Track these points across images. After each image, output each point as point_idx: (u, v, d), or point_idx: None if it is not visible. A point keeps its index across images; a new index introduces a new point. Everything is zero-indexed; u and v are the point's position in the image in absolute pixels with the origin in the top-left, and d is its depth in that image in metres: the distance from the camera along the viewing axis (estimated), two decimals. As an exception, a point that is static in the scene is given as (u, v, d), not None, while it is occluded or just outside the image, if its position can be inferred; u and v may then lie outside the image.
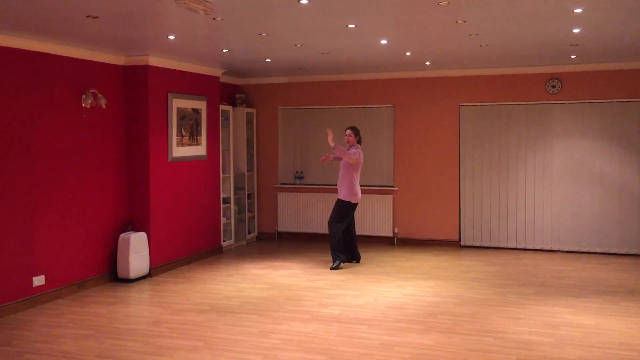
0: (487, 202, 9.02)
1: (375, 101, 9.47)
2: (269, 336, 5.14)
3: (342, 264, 7.80)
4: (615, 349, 4.78)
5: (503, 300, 6.22)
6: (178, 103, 7.84)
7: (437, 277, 7.26)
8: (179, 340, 5.08)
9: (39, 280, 6.21)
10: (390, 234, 9.42)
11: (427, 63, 8.26)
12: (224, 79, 9.27)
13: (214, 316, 5.74)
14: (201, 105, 8.33)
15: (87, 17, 5.02)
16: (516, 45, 6.73)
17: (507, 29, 5.84)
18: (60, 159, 6.47)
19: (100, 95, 6.75)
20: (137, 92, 7.35)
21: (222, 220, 9.01)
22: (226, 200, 9.18)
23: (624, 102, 8.39)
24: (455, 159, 9.12)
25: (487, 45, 6.69)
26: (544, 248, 8.81)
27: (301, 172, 9.92)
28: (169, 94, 7.66)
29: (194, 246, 8.30)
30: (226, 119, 9.23)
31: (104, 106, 6.80)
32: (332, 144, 7.67)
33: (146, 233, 7.35)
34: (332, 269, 7.67)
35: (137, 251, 7.14)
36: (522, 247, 8.90)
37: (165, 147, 7.64)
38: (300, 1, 4.56)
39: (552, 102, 8.67)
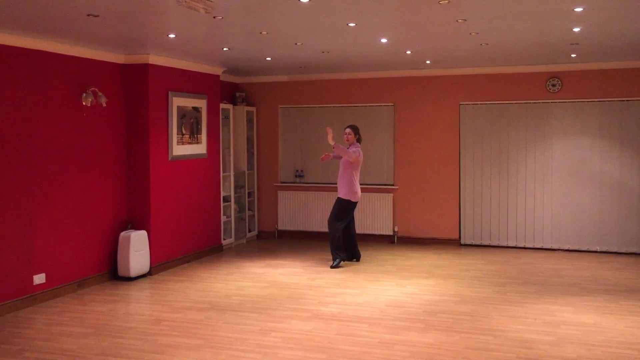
0: (487, 200, 9.02)
1: (376, 100, 9.47)
2: (269, 334, 5.15)
3: (342, 263, 7.81)
4: (614, 347, 4.79)
5: (503, 298, 6.23)
6: (178, 101, 7.84)
7: (437, 275, 7.27)
8: (179, 338, 5.08)
9: (39, 279, 6.21)
10: (390, 233, 9.43)
11: (428, 62, 8.27)
12: (224, 78, 9.27)
13: (214, 314, 5.75)
14: (201, 103, 8.34)
15: (88, 15, 5.02)
16: (516, 44, 6.74)
17: (507, 28, 5.84)
18: (60, 157, 6.47)
19: (100, 93, 6.75)
20: (137, 90, 7.35)
21: (223, 218, 9.02)
22: (226, 199, 9.18)
23: (623, 100, 8.40)
24: (456, 158, 9.12)
25: (487, 44, 6.69)
26: (544, 247, 8.81)
27: (301, 171, 9.92)
28: (169, 93, 7.67)
29: (194, 244, 8.31)
30: (226, 117, 9.24)
31: (104, 104, 6.80)
32: (331, 143, 7.67)
33: (146, 231, 7.35)
34: (332, 267, 7.68)
35: (137, 249, 7.15)
36: (522, 245, 8.91)
37: (166, 146, 7.65)
38: (301, 0, 4.56)
39: (552, 100, 8.68)
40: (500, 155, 8.94)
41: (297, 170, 9.95)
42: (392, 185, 9.44)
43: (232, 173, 9.27)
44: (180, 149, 7.90)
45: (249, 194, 9.85)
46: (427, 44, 6.80)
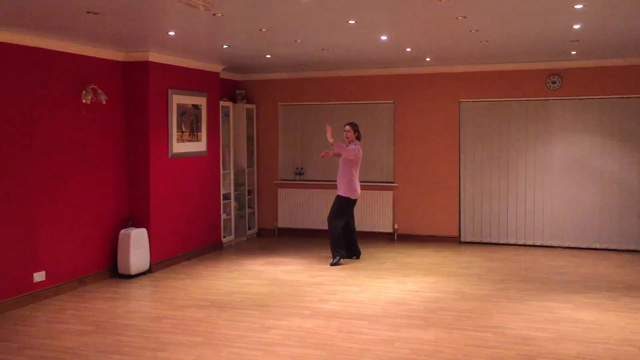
0: (487, 198, 9.03)
1: (376, 97, 9.46)
2: (270, 332, 5.15)
3: (342, 260, 7.81)
4: (615, 344, 4.79)
5: (503, 296, 6.23)
6: (178, 99, 7.83)
7: (437, 273, 7.27)
8: (180, 335, 5.09)
9: (39, 276, 6.22)
10: (391, 230, 9.43)
11: (428, 59, 8.26)
12: (224, 75, 9.26)
13: (215, 312, 5.75)
14: (201, 101, 8.33)
15: (87, 13, 5.02)
16: (516, 41, 6.73)
17: (507, 25, 5.83)
18: (60, 155, 6.47)
19: (100, 91, 6.75)
20: (137, 88, 7.35)
21: (222, 216, 9.02)
22: (226, 196, 9.18)
23: (624, 98, 8.39)
24: (456, 155, 9.12)
25: (488, 41, 6.68)
26: (544, 244, 8.82)
27: (301, 168, 9.92)
28: (169, 90, 7.66)
29: (194, 242, 8.31)
30: (226, 115, 9.23)
31: (104, 102, 6.79)
32: (330, 140, 7.67)
33: (146, 229, 7.35)
34: (332, 264, 7.68)
35: (137, 247, 7.15)
36: (522, 243, 8.91)
37: (166, 143, 7.65)
38: (301, -3, 4.56)
39: (552, 98, 8.67)
40: (500, 152, 8.94)
41: (297, 168, 9.95)
42: (392, 182, 9.44)
43: (232, 171, 9.27)
44: (180, 147, 7.90)
45: (249, 192, 9.85)
46: (427, 41, 6.79)
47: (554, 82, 8.62)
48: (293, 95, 9.86)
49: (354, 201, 7.81)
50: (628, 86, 8.34)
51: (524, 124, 8.82)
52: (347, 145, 7.74)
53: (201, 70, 8.36)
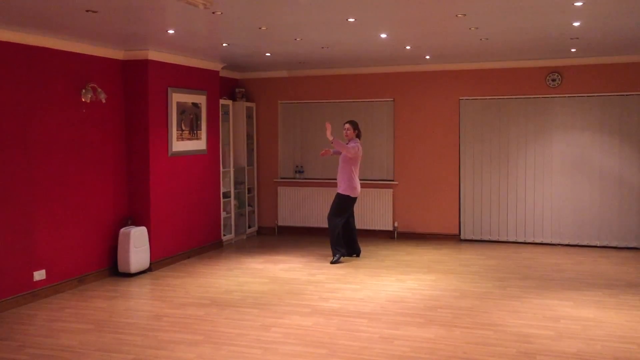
0: (487, 195, 9.02)
1: (375, 95, 9.46)
2: (270, 330, 5.15)
3: (342, 258, 7.81)
4: (614, 341, 4.80)
5: (503, 293, 6.23)
6: (178, 97, 7.83)
7: (437, 270, 7.28)
8: (180, 334, 5.09)
9: (39, 275, 6.22)
10: (391, 228, 9.43)
11: (427, 57, 8.25)
12: (224, 73, 9.25)
13: (215, 310, 5.76)
14: (201, 99, 8.33)
15: (87, 11, 5.02)
16: (516, 38, 6.73)
17: (507, 23, 5.83)
18: (60, 153, 6.47)
19: (99, 89, 6.74)
20: (136, 86, 7.34)
21: (222, 214, 9.02)
22: (226, 195, 9.18)
23: (624, 95, 8.39)
24: (456, 153, 9.12)
25: (487, 39, 6.68)
26: (544, 242, 8.82)
27: (301, 166, 9.92)
28: (168, 89, 7.66)
29: (194, 240, 8.31)
30: (226, 113, 9.23)
31: (103, 101, 6.79)
32: (330, 138, 7.66)
33: (146, 227, 7.36)
34: (332, 262, 7.68)
35: (137, 245, 7.15)
36: (522, 240, 8.91)
37: (165, 142, 7.65)
38: (300, -5, 4.56)
39: (552, 95, 8.67)
40: (500, 150, 8.94)
41: (296, 166, 9.95)
42: (392, 180, 9.44)
43: (231, 169, 9.27)
44: (179, 145, 7.90)
45: (249, 190, 9.85)
46: (427, 39, 6.79)
47: (554, 80, 8.61)
48: (293, 94, 9.85)
49: (354, 199, 7.81)
50: (628, 83, 8.33)
51: (524, 122, 8.81)
52: (347, 143, 7.74)
53: (201, 68, 8.35)
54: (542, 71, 8.66)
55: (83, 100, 6.62)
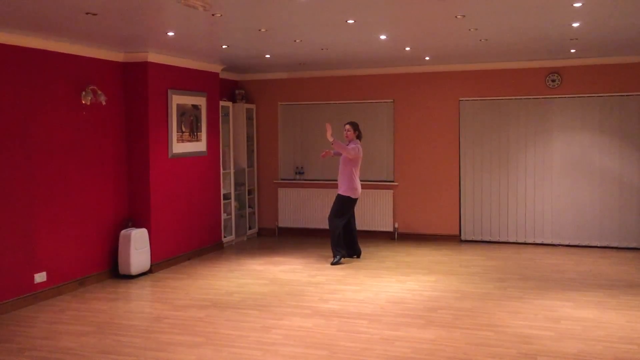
0: (487, 196, 9.03)
1: (375, 96, 9.47)
2: (270, 331, 5.16)
3: (342, 259, 7.81)
4: (615, 342, 4.80)
5: (503, 294, 6.23)
6: (178, 99, 7.84)
7: (437, 271, 7.28)
8: (180, 336, 5.09)
9: (40, 277, 6.22)
10: (391, 229, 9.44)
11: (427, 58, 8.26)
12: (224, 75, 9.26)
13: (215, 312, 5.76)
14: (201, 101, 8.33)
15: (86, 14, 5.02)
16: (516, 39, 6.73)
17: (506, 24, 5.83)
18: (60, 156, 6.47)
19: (99, 92, 6.75)
20: (136, 88, 7.35)
21: (223, 216, 9.03)
22: (226, 196, 9.19)
23: (623, 95, 8.39)
24: (456, 154, 9.12)
25: (487, 39, 6.68)
26: (544, 242, 8.82)
27: (301, 168, 9.92)
28: (168, 91, 7.66)
29: (195, 242, 8.32)
30: (226, 115, 9.23)
31: (103, 103, 6.80)
32: (330, 139, 7.66)
33: (147, 229, 7.36)
34: (332, 264, 7.68)
35: (138, 247, 7.15)
36: (522, 241, 8.91)
37: (166, 144, 7.65)
38: (299, -3, 4.56)
39: (551, 96, 8.67)
40: (500, 150, 8.94)
41: (297, 167, 9.95)
42: (392, 181, 9.44)
43: (232, 170, 9.28)
44: (180, 147, 7.90)
45: (249, 191, 9.86)
46: (426, 40, 6.79)
47: (553, 81, 8.61)
48: (293, 95, 9.86)
49: (355, 200, 7.81)
50: (628, 84, 8.34)
51: (524, 122, 8.82)
52: (347, 145, 7.74)
53: (201, 70, 8.36)
54: (542, 72, 8.67)
55: (83, 102, 6.62)
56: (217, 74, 8.78)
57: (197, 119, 8.27)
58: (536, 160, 8.80)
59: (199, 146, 8.32)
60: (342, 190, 7.73)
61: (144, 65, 7.30)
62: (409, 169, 9.34)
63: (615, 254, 8.17)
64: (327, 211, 8.26)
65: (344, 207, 7.75)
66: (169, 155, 7.71)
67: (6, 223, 5.86)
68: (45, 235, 6.29)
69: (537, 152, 8.79)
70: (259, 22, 5.62)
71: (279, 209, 9.93)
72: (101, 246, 7.08)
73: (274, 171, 10.01)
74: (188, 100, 8.06)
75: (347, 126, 7.82)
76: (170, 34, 6.10)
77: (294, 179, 9.93)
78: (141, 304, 6.40)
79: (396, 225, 9.42)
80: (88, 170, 6.85)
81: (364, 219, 9.36)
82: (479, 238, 9.12)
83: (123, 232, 7.17)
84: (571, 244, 8.70)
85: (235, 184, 9.41)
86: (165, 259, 7.69)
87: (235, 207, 9.37)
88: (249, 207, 9.84)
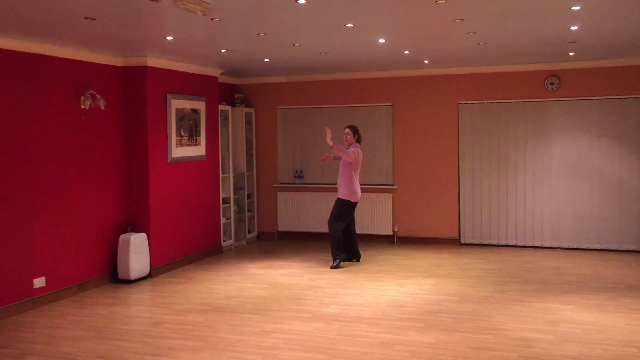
0: (487, 199, 9.03)
1: (374, 100, 9.47)
2: (270, 336, 5.15)
3: (342, 263, 7.81)
4: (615, 345, 4.79)
5: (503, 297, 6.23)
6: (177, 103, 7.84)
7: (437, 275, 7.27)
8: (180, 340, 5.08)
9: (39, 282, 6.21)
10: (390, 233, 9.43)
11: (426, 61, 8.27)
12: (223, 79, 9.27)
13: (215, 316, 5.75)
14: (200, 105, 8.34)
15: (85, 18, 5.03)
16: (514, 42, 6.74)
17: (505, 27, 5.84)
18: (59, 160, 6.47)
19: (98, 96, 6.75)
20: (135, 93, 7.35)
21: (222, 220, 9.02)
22: (226, 200, 9.18)
23: (622, 98, 8.40)
24: (455, 157, 9.13)
25: (485, 43, 6.69)
26: (544, 245, 8.82)
27: (301, 172, 9.92)
28: (167, 95, 7.67)
29: (194, 246, 8.31)
30: (225, 119, 9.24)
31: (102, 107, 6.80)
32: (330, 143, 7.67)
33: (146, 234, 7.35)
34: (332, 267, 7.68)
35: (137, 252, 7.15)
36: (521, 244, 8.91)
37: (165, 148, 7.65)
38: (298, 1, 4.56)
39: (550, 99, 8.68)
40: (499, 154, 8.95)
41: (296, 171, 9.95)
42: (392, 185, 9.44)
43: (231, 174, 9.28)
44: (179, 151, 7.90)
45: (249, 195, 9.86)
46: (425, 44, 6.80)
47: (552, 84, 8.63)
48: (292, 99, 9.86)
49: (355, 204, 7.81)
50: (626, 87, 8.35)
51: (523, 126, 8.82)
52: (347, 148, 7.74)
53: (200, 74, 8.36)
54: (541, 75, 8.68)
55: (82, 107, 6.62)
56: (216, 78, 8.79)
57: (196, 123, 8.27)
58: (535, 163, 8.80)
59: (198, 150, 8.32)
60: (342, 194, 7.73)
61: (143, 70, 7.31)
62: (409, 173, 9.35)
63: (614, 257, 8.17)
64: (327, 215, 8.26)
65: (344, 210, 7.74)
66: (168, 160, 7.71)
67: (5, 228, 5.86)
68: (44, 240, 6.28)
69: (536, 155, 8.79)
70: (258, 27, 5.63)
71: (278, 213, 9.93)
72: (100, 251, 7.07)
73: (274, 175, 10.01)
74: (187, 104, 8.06)
75: (347, 130, 7.83)
76: (170, 38, 6.10)
77: (294, 183, 9.93)
78: (140, 309, 6.39)
79: (396, 229, 9.42)
80: (87, 174, 6.85)
81: (363, 223, 9.35)
82: (478, 241, 9.11)
83: (122, 236, 7.16)
84: (571, 246, 8.70)
85: (235, 188, 9.41)
86: (165, 264, 7.69)
87: (234, 211, 9.37)
88: (249, 211, 9.84)
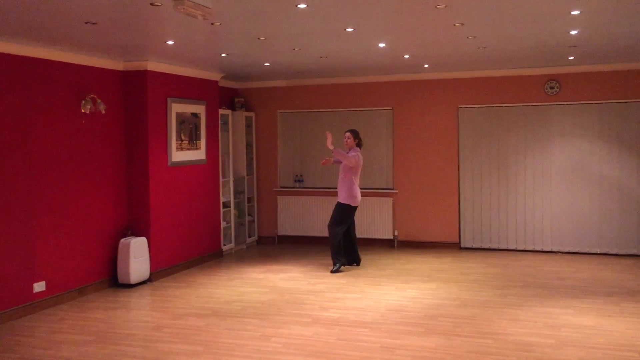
0: (487, 203, 9.03)
1: (374, 104, 9.48)
2: (270, 340, 5.14)
3: (342, 267, 7.80)
4: (615, 349, 4.79)
5: (503, 302, 6.22)
6: (177, 108, 7.85)
7: (437, 279, 7.27)
8: (180, 345, 5.08)
9: (39, 286, 6.21)
10: (391, 237, 9.43)
11: (426, 65, 8.28)
12: (223, 83, 9.28)
13: (215, 320, 5.74)
14: (200, 109, 8.35)
15: (86, 23, 5.04)
16: (514, 47, 6.75)
17: (504, 31, 5.85)
18: (59, 164, 6.47)
19: (99, 100, 6.76)
20: (136, 97, 7.36)
21: (222, 224, 9.02)
22: (226, 204, 9.18)
23: (622, 102, 8.41)
24: (455, 161, 9.13)
25: (485, 47, 6.70)
26: (544, 249, 8.81)
27: (301, 176, 9.92)
28: (168, 99, 7.67)
29: (194, 250, 8.30)
30: (225, 123, 9.24)
31: (103, 111, 6.81)
32: (330, 147, 7.67)
33: (146, 238, 7.35)
34: (332, 272, 7.67)
35: (137, 256, 7.14)
36: (522, 248, 8.90)
37: (165, 152, 7.65)
38: (298, 5, 4.57)
39: (550, 103, 8.69)
40: (499, 158, 8.95)
41: (296, 175, 9.96)
42: (392, 189, 9.45)
43: (231, 178, 9.28)
44: (179, 155, 7.91)
45: (249, 200, 9.85)
46: (425, 48, 6.81)
47: (552, 88, 8.63)
48: (292, 103, 9.87)
49: (355, 208, 7.81)
50: (626, 91, 8.35)
51: (523, 130, 8.83)
52: (347, 152, 7.75)
53: (200, 78, 8.37)
54: (541, 79, 8.69)
55: (83, 111, 6.63)
56: (216, 82, 8.80)
57: (197, 127, 8.28)
58: (535, 167, 8.81)
59: (198, 154, 8.33)
60: (342, 198, 7.73)
61: (144, 74, 7.32)
62: (409, 177, 9.35)
63: (614, 261, 8.16)
64: (327, 219, 8.26)
65: (344, 214, 7.74)
66: (169, 164, 7.72)
67: (5, 232, 5.86)
68: (44, 244, 6.28)
69: (536, 159, 8.79)
70: (258, 31, 5.64)
71: (278, 217, 9.93)
72: (100, 255, 7.07)
73: (274, 179, 10.01)
74: (187, 108, 8.07)
75: (347, 134, 7.83)
76: (170, 42, 6.11)
77: (294, 187, 9.93)
78: (140, 313, 6.38)
79: (396, 233, 9.41)
80: (87, 178, 6.85)
81: (363, 227, 9.35)
82: (478, 245, 9.11)
83: (122, 240, 7.16)
84: (571, 251, 8.70)
85: (235, 192, 9.41)
86: (165, 268, 7.68)
87: (234, 215, 9.37)
88: (249, 215, 9.84)
